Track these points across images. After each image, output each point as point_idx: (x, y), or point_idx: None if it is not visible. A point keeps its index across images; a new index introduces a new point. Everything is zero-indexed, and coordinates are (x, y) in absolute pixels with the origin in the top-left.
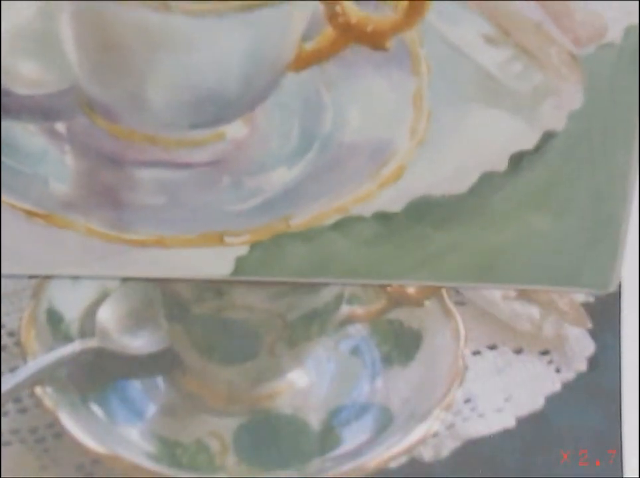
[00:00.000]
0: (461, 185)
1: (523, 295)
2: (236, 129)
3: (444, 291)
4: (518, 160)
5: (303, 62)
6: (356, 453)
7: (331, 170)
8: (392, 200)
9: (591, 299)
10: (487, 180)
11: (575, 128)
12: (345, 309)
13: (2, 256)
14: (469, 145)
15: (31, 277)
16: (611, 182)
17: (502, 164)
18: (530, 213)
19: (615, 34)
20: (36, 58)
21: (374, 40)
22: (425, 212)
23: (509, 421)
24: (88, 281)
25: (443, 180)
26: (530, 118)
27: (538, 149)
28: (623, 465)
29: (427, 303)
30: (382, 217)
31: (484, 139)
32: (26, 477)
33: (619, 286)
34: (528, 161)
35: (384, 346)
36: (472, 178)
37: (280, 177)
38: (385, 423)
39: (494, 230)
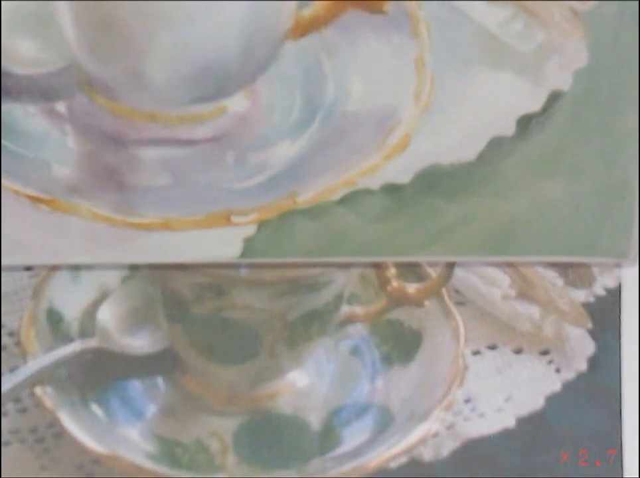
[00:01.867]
0: (470, 152)
1: (523, 295)
2: (237, 103)
3: (444, 291)
4: (526, 123)
5: (301, 29)
6: (356, 453)
7: (336, 142)
8: (400, 170)
9: (591, 299)
10: (496, 145)
11: (582, 87)
12: (345, 309)
13: (7, 246)
14: (475, 110)
15: (36, 267)
16: (622, 144)
17: (510, 128)
18: (542, 179)
19: None
20: (34, 37)
21: (372, 4)
22: (434, 182)
23: (509, 421)
24: (88, 280)
25: (450, 148)
26: (535, 79)
27: (545, 110)
28: (623, 465)
29: (427, 303)
30: (391, 189)
31: (490, 103)
32: (26, 477)
33: (619, 286)
34: (536, 124)
35: (384, 346)
36: (480, 144)
37: (284, 151)
38: (385, 423)
39: (506, 199)
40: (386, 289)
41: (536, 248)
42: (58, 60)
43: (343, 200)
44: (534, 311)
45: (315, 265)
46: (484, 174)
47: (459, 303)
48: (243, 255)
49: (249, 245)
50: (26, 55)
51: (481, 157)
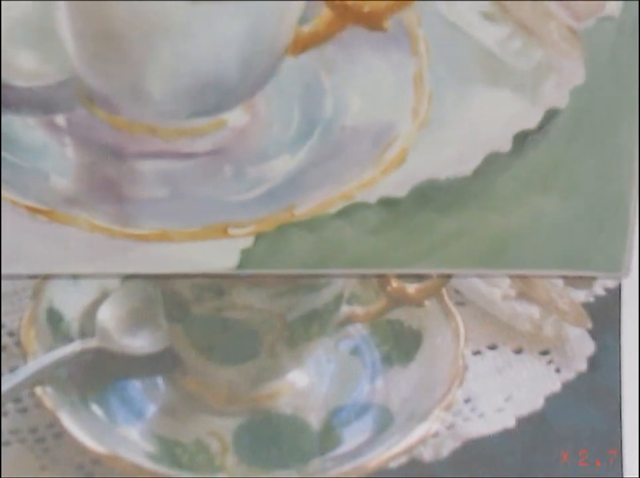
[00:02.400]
0: (466, 167)
1: (523, 295)
2: (236, 117)
3: (444, 291)
4: (522, 139)
5: (301, 45)
6: (356, 453)
7: (334, 156)
8: (397, 185)
9: (591, 299)
10: (492, 161)
11: (578, 105)
12: (345, 309)
13: (5, 255)
14: (471, 126)
15: (34, 276)
16: (617, 161)
17: (506, 145)
18: (537, 195)
19: (613, 7)
20: (34, 50)
21: (372, 21)
22: (430, 196)
23: (509, 421)
24: (88, 281)
25: (447, 163)
26: (532, 96)
27: (541, 127)
28: (623, 465)
29: (427, 303)
30: (387, 203)
31: (487, 119)
32: (26, 477)
33: (619, 286)
34: (532, 141)
35: (384, 346)
36: (476, 159)
37: (283, 165)
38: (385, 423)
39: (500, 214)
40: (386, 289)
41: (530, 262)
42: (58, 73)
43: (340, 213)
44: (534, 311)
45: (311, 277)
46: (480, 190)
47: (459, 303)
48: (240, 266)
49: (246, 257)
50: (27, 68)
51: (477, 172)
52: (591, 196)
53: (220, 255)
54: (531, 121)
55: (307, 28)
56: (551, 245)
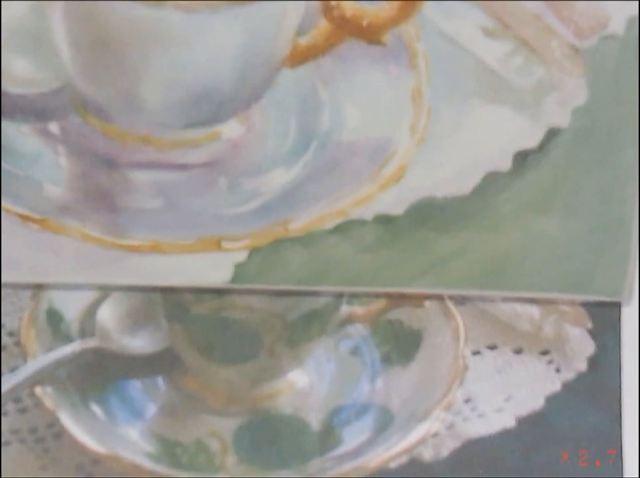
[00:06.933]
0: (464, 186)
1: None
2: (231, 129)
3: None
4: (522, 159)
5: (298, 57)
6: (356, 453)
7: (330, 171)
8: (394, 202)
9: (591, 299)
10: (491, 180)
11: (580, 124)
12: (345, 309)
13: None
14: (471, 144)
15: (25, 286)
16: (620, 182)
17: (506, 164)
18: (537, 215)
19: (617, 24)
20: (28, 57)
21: (370, 34)
22: (427, 214)
23: (509, 421)
24: None
25: (445, 181)
26: (533, 114)
27: (542, 146)
28: (623, 465)
29: (427, 303)
30: (384, 220)
31: (487, 137)
32: (26, 477)
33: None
34: (532, 160)
35: (384, 346)
36: (475, 178)
37: (278, 178)
38: (385, 423)
39: (499, 234)
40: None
41: (529, 284)
42: (52, 81)
43: (336, 230)
44: (534, 311)
45: (305, 293)
46: (479, 209)
47: (459, 303)
48: (233, 280)
49: (239, 271)
50: (21, 74)
51: (476, 191)
52: (592, 217)
53: (213, 269)
54: (532, 140)
55: (304, 40)
56: (550, 267)
